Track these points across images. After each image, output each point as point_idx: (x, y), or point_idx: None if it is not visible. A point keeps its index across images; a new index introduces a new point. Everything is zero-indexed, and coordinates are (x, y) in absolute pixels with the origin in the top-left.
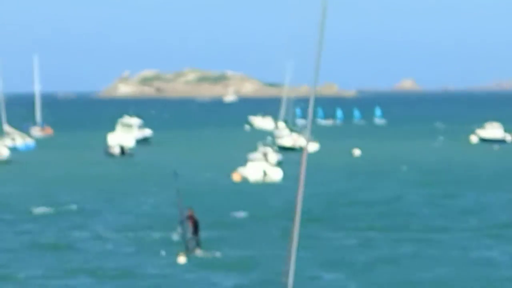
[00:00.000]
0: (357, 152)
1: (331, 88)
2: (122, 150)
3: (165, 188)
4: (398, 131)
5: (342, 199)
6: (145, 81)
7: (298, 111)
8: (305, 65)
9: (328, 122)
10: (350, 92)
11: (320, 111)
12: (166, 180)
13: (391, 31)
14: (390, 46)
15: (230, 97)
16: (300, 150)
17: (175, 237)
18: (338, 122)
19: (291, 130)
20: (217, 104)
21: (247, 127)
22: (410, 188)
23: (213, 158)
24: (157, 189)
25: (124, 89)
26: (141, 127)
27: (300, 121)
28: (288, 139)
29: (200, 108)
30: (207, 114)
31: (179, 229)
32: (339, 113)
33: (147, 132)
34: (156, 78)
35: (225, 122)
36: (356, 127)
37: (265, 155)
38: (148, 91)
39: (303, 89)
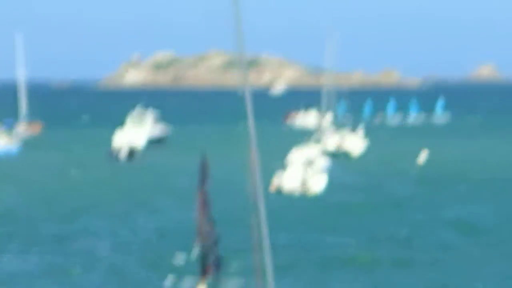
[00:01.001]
0: (423, 156)
1: (390, 76)
2: (131, 152)
3: (181, 199)
4: (466, 129)
5: (428, 218)
6: (159, 66)
7: (341, 105)
8: (357, 46)
9: (375, 119)
10: (414, 81)
11: (367, 105)
12: (182, 189)
13: (466, 6)
14: (466, 25)
15: (279, 87)
16: (345, 155)
17: (193, 255)
18: (389, 118)
19: (337, 129)
20: (260, 95)
21: (287, 124)
22: (505, 203)
23: (244, 162)
24: (170, 201)
25: (133, 77)
26: (157, 123)
27: (343, 118)
28: (331, 140)
29: (232, 100)
30: (239, 107)
31: (197, 246)
32: (390, 107)
33: (164, 129)
34: (173, 62)
35: (261, 117)
36: (411, 124)
37: (309, 160)
38: (162, 79)
39: (357, 77)
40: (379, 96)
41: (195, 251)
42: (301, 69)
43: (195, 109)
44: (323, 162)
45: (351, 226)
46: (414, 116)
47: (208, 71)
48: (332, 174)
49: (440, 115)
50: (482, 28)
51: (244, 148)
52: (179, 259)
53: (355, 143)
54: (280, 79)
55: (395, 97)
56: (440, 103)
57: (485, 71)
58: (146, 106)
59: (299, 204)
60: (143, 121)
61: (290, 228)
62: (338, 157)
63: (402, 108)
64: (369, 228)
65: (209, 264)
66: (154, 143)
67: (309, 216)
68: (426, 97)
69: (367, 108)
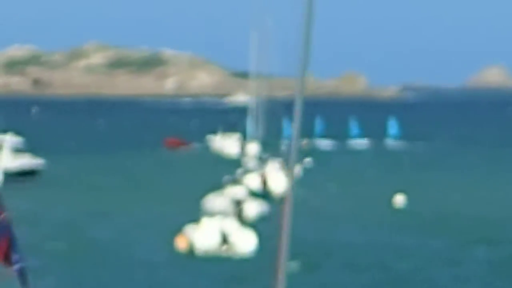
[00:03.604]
0: (399, 199)
1: (354, 83)
2: None
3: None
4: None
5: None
6: (13, 66)
7: (286, 123)
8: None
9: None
10: (388, 89)
11: (286, 124)
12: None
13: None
14: (465, 21)
15: (239, 97)
16: (270, 196)
17: None
18: (318, 142)
19: (261, 159)
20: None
21: (208, 151)
22: None
23: (145, 206)
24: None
25: None
26: (18, 150)
27: (288, 143)
28: (253, 176)
29: (123, 114)
30: (140, 128)
31: None
32: (318, 127)
33: (30, 161)
34: (34, 61)
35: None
36: (352, 151)
37: (237, 204)
38: (19, 84)
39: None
40: (336, 110)
41: None
42: (222, 72)
43: (70, 129)
44: (260, 208)
45: None
46: (354, 141)
47: (84, 73)
48: (262, 226)
49: (391, 141)
50: (485, 23)
51: (142, 187)
52: None
53: (279, 180)
54: (174, 83)
55: (348, 113)
56: (392, 124)
57: (492, 75)
58: (3, 129)
59: (216, 272)
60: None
61: None
62: (264, 197)
63: (341, 129)
64: None
65: None
66: (19, 177)
67: None
68: (400, 113)
69: (286, 127)
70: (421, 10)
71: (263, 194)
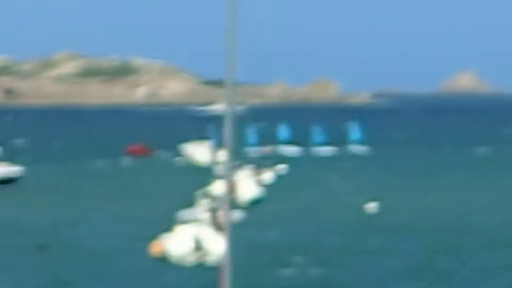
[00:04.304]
0: (371, 205)
1: (326, 90)
2: None
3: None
4: (385, 163)
5: None
6: None
7: (251, 132)
8: (279, 50)
9: (264, 150)
10: (360, 96)
11: (251, 130)
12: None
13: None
14: (439, 27)
15: (220, 106)
16: (238, 204)
17: None
18: (283, 149)
19: (231, 167)
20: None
21: (178, 159)
22: None
23: (121, 213)
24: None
25: None
26: None
27: (253, 150)
28: (220, 184)
29: (97, 122)
30: (121, 134)
31: None
32: (283, 133)
33: (8, 168)
34: (4, 71)
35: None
36: (318, 157)
37: (212, 211)
38: None
39: (277, 91)
40: (306, 116)
41: None
42: (194, 80)
43: (44, 137)
44: (237, 215)
45: None
46: (317, 147)
47: (56, 82)
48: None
49: (354, 146)
50: (458, 29)
51: (118, 195)
52: None
53: (249, 187)
54: (146, 92)
55: (312, 120)
56: (354, 129)
57: (464, 80)
58: None
59: (190, 278)
60: None
61: None
62: (235, 206)
63: (306, 135)
64: None
65: None
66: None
67: None
68: (371, 117)
69: (251, 135)
70: (392, 16)
71: (232, 202)
